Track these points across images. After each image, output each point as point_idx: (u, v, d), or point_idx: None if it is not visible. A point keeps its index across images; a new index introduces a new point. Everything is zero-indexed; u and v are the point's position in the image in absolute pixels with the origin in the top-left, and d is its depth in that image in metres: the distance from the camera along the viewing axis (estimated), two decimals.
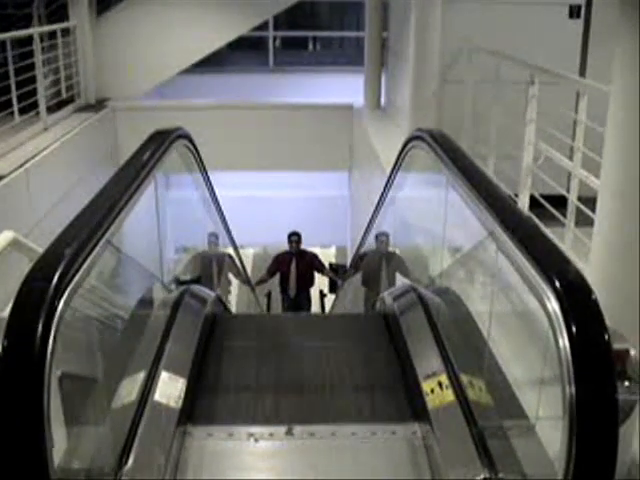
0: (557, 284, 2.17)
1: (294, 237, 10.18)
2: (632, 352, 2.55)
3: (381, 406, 3.75)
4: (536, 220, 4.43)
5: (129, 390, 3.26)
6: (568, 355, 2.03)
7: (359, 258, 8.55)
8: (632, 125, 3.57)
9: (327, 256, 13.25)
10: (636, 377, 2.50)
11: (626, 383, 2.43)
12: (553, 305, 2.13)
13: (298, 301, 10.43)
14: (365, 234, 7.82)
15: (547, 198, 5.26)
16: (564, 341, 2.05)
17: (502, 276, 3.08)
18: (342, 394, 3.90)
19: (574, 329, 2.05)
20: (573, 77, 5.60)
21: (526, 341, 3.35)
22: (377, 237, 7.34)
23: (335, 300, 10.45)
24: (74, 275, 2.26)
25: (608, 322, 2.08)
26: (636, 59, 3.49)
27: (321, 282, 10.93)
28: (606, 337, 2.05)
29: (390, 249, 7.26)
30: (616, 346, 2.14)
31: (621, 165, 3.71)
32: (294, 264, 10.24)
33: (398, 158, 5.58)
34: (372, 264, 7.71)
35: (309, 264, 10.40)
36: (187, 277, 6.27)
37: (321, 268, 10.53)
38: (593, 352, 2.05)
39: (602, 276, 3.76)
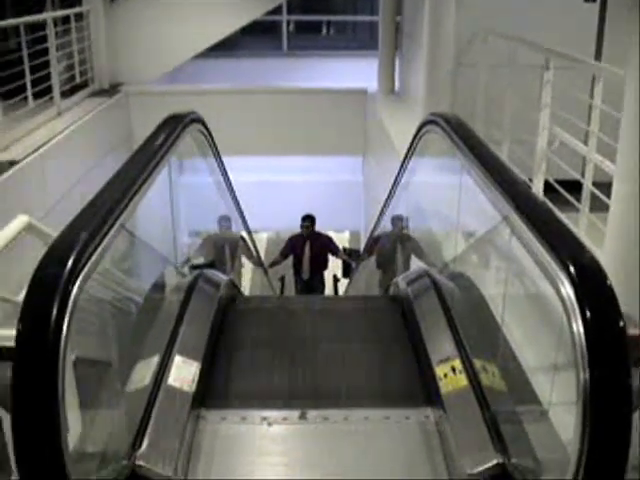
0: (571, 269, 2.16)
1: (307, 221, 10.11)
2: None
3: (395, 390, 3.76)
4: (550, 205, 4.41)
5: (143, 374, 3.27)
6: (582, 340, 2.02)
7: (373, 241, 8.55)
8: None
9: (341, 241, 13.22)
10: None
11: None
12: (567, 290, 2.13)
13: (311, 284, 10.40)
14: (379, 218, 7.81)
15: (561, 183, 5.22)
16: (578, 326, 2.04)
17: (516, 261, 3.07)
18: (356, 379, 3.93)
19: (588, 314, 2.04)
20: (589, 61, 5.55)
21: (539, 326, 3.34)
22: (393, 220, 7.33)
23: (349, 284, 10.44)
24: (88, 260, 2.27)
25: (623, 308, 2.07)
26: None
27: (335, 266, 10.91)
28: (621, 323, 2.04)
29: (405, 231, 7.25)
30: (631, 332, 2.13)
31: (637, 150, 3.68)
32: (308, 246, 10.18)
33: (412, 143, 5.56)
34: (387, 246, 7.71)
35: (323, 246, 10.34)
36: (201, 261, 6.28)
37: (335, 251, 10.46)
38: (607, 338, 2.04)
39: (617, 262, 3.74)
